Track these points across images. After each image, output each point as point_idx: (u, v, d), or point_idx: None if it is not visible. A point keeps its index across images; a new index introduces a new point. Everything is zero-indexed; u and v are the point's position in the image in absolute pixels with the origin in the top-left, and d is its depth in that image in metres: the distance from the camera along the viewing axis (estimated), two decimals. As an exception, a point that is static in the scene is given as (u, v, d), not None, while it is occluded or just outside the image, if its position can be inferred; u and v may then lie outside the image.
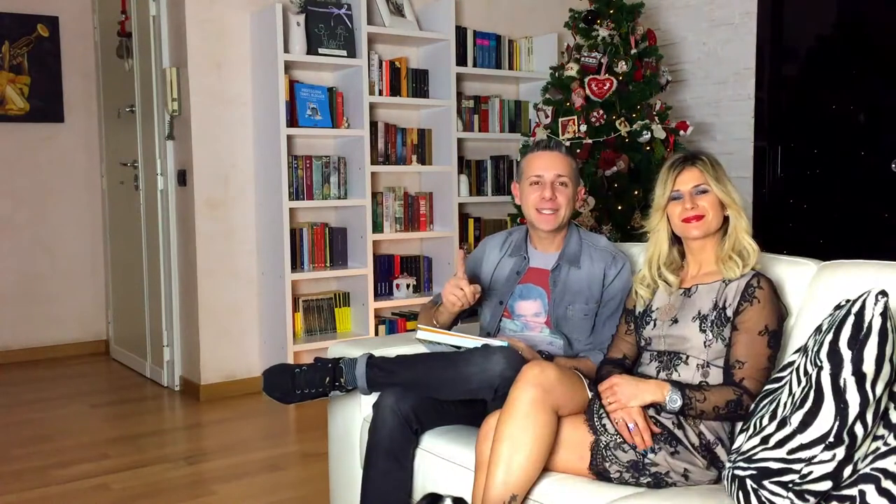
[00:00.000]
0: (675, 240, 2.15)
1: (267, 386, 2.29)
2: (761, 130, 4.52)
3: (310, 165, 4.24)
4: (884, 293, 1.63)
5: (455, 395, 2.20)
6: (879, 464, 1.58)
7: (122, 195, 4.87)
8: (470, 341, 2.23)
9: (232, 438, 3.62)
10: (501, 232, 2.63)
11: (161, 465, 3.27)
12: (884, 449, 1.60)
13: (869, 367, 1.57)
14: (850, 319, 1.61)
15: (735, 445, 1.80)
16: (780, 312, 1.98)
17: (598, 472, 1.94)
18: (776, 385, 1.83)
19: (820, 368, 1.61)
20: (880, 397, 1.59)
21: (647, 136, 4.04)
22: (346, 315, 4.47)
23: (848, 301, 1.71)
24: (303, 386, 2.24)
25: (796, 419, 1.63)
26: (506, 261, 2.50)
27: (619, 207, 4.02)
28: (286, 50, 4.06)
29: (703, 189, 2.05)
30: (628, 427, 1.91)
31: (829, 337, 1.63)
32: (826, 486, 1.60)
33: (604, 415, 1.97)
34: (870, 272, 1.96)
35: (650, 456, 1.90)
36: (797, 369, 1.71)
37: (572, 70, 4.22)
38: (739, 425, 1.93)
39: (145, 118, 4.46)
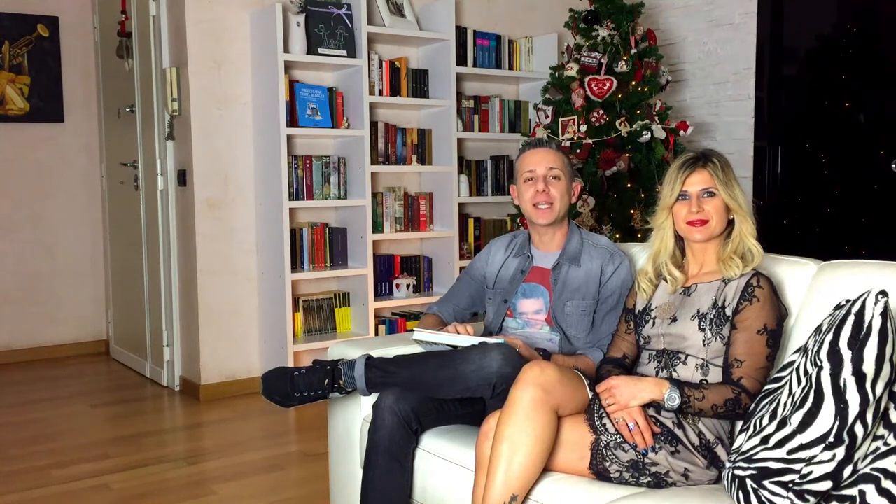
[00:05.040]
0: (677, 237, 2.15)
1: (266, 390, 2.29)
2: (761, 130, 4.52)
3: (310, 165, 4.24)
4: (884, 293, 1.63)
5: (453, 393, 2.20)
6: (879, 464, 1.58)
7: (122, 195, 4.87)
8: (466, 339, 2.23)
9: (232, 438, 3.62)
10: (506, 234, 2.68)
11: (161, 465, 3.27)
12: (884, 449, 1.60)
13: (869, 367, 1.57)
14: (850, 319, 1.61)
15: (735, 445, 1.80)
16: (780, 312, 1.98)
17: (598, 472, 1.94)
18: (776, 385, 1.83)
19: (820, 368, 1.61)
20: (880, 397, 1.59)
21: (647, 136, 4.04)
22: (346, 315, 4.47)
23: (848, 301, 1.71)
24: (302, 389, 2.24)
25: (796, 419, 1.63)
26: (511, 261, 2.55)
27: (620, 207, 4.02)
28: (286, 50, 4.06)
29: (711, 192, 2.04)
30: (629, 427, 1.91)
31: (829, 337, 1.63)
32: (826, 486, 1.60)
33: (604, 414, 1.97)
34: (870, 272, 1.96)
35: (650, 455, 1.90)
36: (797, 369, 1.71)
37: (572, 70, 4.21)
38: (739, 425, 1.93)
39: (145, 118, 4.46)
